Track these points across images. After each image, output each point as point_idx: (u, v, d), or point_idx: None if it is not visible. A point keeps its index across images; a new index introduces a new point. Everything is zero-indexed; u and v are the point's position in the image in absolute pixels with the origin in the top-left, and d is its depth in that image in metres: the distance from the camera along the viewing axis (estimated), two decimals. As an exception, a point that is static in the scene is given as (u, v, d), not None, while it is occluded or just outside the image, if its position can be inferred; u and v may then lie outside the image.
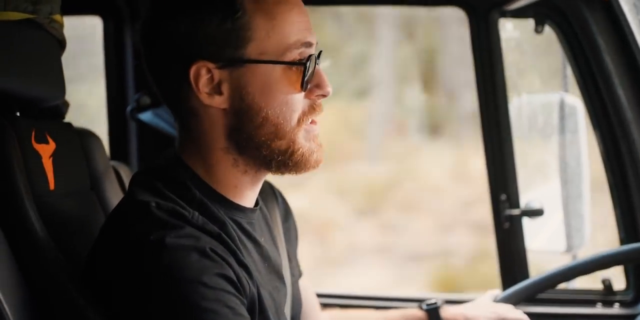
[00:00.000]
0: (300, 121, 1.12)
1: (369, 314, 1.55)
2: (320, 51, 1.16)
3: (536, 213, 1.94)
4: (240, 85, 1.10)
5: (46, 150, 1.28)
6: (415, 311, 1.51)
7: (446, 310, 1.50)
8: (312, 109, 1.13)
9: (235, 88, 1.10)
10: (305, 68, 1.10)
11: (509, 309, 1.50)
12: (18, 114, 1.33)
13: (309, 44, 1.12)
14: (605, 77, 1.80)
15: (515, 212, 1.93)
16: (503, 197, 1.93)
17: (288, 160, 1.12)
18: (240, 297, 1.05)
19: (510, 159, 1.94)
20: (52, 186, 1.26)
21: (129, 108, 2.00)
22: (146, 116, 1.96)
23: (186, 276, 0.99)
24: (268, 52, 1.09)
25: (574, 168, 1.96)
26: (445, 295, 2.08)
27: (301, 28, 1.11)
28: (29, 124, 1.27)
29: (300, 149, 1.12)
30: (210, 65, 1.09)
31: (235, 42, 1.09)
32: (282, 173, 1.14)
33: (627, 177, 1.83)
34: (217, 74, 1.09)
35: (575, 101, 1.93)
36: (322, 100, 1.14)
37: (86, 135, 1.49)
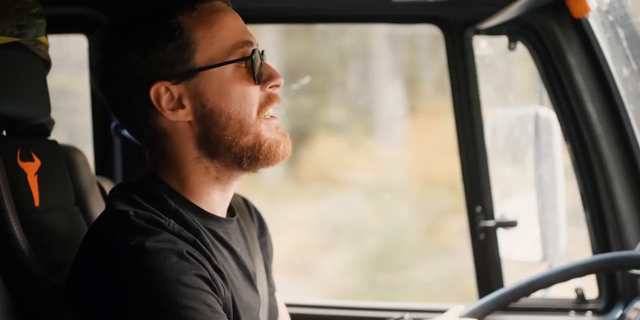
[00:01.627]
0: (259, 113, 1.19)
1: None
2: (263, 50, 1.23)
3: (510, 224, 1.99)
4: (199, 94, 1.17)
5: (31, 168, 1.32)
6: None
7: None
8: (268, 99, 1.20)
9: (194, 98, 1.17)
10: (252, 62, 1.17)
11: None
12: (4, 133, 1.37)
13: (249, 43, 1.20)
14: (576, 93, 1.86)
15: (490, 223, 1.99)
16: (478, 209, 1.99)
17: (258, 154, 1.19)
18: (217, 297, 1.10)
19: (485, 171, 2.00)
20: (37, 203, 1.30)
21: (112, 124, 2.04)
22: (130, 135, 2.00)
23: (166, 276, 1.05)
24: (215, 57, 1.17)
25: (548, 180, 2.01)
26: (415, 304, 2.12)
27: (238, 30, 1.20)
28: (15, 142, 1.31)
29: (267, 141, 1.19)
30: (167, 84, 1.17)
31: (183, 57, 1.16)
32: (255, 169, 1.20)
33: (598, 188, 1.88)
34: (175, 89, 1.17)
35: (550, 114, 1.98)
36: (276, 91, 1.21)
37: (71, 152, 1.54)
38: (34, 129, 1.45)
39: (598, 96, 1.85)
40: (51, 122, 1.52)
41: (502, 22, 1.91)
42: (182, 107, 1.17)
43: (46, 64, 1.44)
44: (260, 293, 1.29)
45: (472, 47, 1.97)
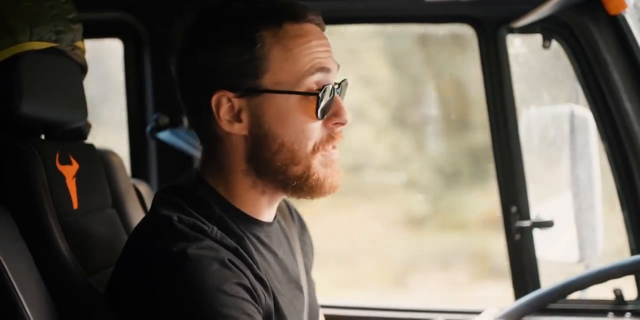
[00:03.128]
0: (315, 149, 1.17)
1: None
2: (343, 80, 1.20)
3: (546, 224, 1.97)
4: (258, 114, 1.16)
5: (70, 171, 1.34)
6: None
7: None
8: (329, 137, 1.18)
9: (253, 116, 1.16)
10: (318, 98, 1.15)
11: None
12: (43, 136, 1.40)
13: (325, 70, 1.16)
14: (613, 91, 1.83)
15: (526, 224, 1.97)
16: (514, 209, 1.97)
17: (303, 186, 1.17)
18: (257, 306, 1.10)
19: (521, 171, 1.98)
20: (75, 205, 1.32)
21: (148, 127, 2.06)
22: (165, 135, 2.02)
23: (207, 284, 1.05)
24: (283, 82, 1.15)
25: (585, 179, 1.99)
26: (448, 305, 2.10)
27: (317, 56, 1.16)
28: (53, 146, 1.34)
29: (316, 175, 1.17)
30: (230, 95, 1.16)
31: (252, 72, 1.15)
32: (298, 197, 1.20)
33: (636, 188, 1.85)
34: (236, 102, 1.16)
35: (586, 112, 1.95)
36: (341, 128, 1.19)
37: (108, 155, 1.56)
38: (71, 133, 1.47)
39: (635, 94, 1.82)
40: (88, 126, 1.54)
41: (536, 21, 1.89)
42: (240, 121, 1.16)
43: (83, 69, 1.46)
44: (304, 294, 1.29)
45: (505, 46, 1.96)
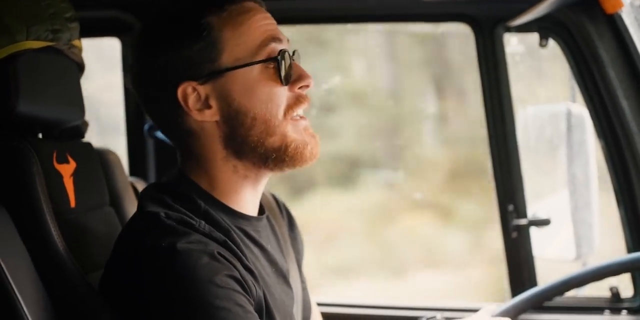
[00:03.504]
0: (286, 114, 1.19)
1: None
2: (295, 50, 1.23)
3: (543, 223, 1.97)
4: (225, 94, 1.18)
5: (67, 170, 1.35)
6: None
7: None
8: (297, 101, 1.20)
9: (221, 98, 1.18)
10: (278, 62, 1.17)
11: None
12: (40, 135, 1.40)
13: (277, 40, 1.20)
14: (609, 89, 1.84)
15: (523, 222, 1.97)
16: (510, 207, 1.97)
17: (283, 156, 1.19)
18: (248, 297, 1.12)
19: (517, 170, 1.98)
20: (73, 204, 1.33)
21: (146, 126, 2.07)
22: (162, 134, 2.02)
23: (199, 277, 1.07)
24: (241, 57, 1.18)
25: (581, 177, 1.99)
26: (446, 302, 2.11)
27: (267, 28, 1.20)
28: (51, 145, 1.34)
29: (294, 143, 1.19)
30: (194, 84, 1.18)
31: (210, 57, 1.18)
32: (282, 169, 1.21)
33: (633, 186, 1.86)
34: (201, 89, 1.18)
35: (582, 111, 1.96)
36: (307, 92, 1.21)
37: (105, 154, 1.56)
38: (68, 132, 1.47)
39: (632, 92, 1.82)
40: (85, 124, 1.55)
41: (532, 19, 1.89)
42: (209, 107, 1.18)
43: (80, 67, 1.47)
44: (293, 289, 1.30)
45: (502, 45, 1.96)
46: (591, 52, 1.84)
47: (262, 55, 1.18)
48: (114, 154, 1.59)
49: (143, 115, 2.10)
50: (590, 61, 1.85)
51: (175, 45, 1.18)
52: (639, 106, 1.82)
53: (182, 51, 1.17)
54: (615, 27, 1.81)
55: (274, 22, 1.23)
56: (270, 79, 1.18)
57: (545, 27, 1.91)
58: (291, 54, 1.21)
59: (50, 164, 1.30)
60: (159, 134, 2.03)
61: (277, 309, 1.20)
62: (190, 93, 1.18)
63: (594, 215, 1.97)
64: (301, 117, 1.22)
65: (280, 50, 1.19)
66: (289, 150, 1.19)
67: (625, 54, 1.82)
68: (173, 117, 1.20)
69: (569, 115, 1.97)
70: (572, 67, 1.91)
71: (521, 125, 2.02)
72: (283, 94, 1.19)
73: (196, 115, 1.19)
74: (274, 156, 1.19)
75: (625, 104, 1.83)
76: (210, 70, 1.18)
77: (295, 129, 1.20)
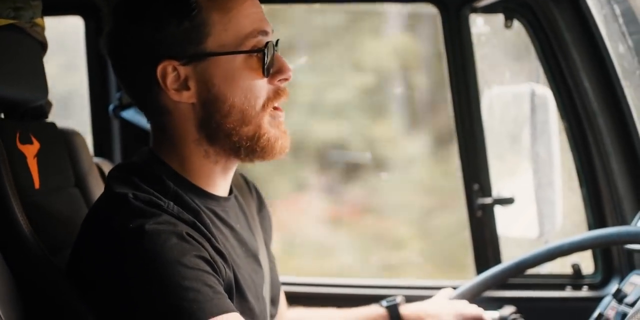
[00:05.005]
0: (265, 106, 1.19)
1: (332, 313, 1.59)
2: (277, 39, 1.22)
3: (507, 201, 2.00)
4: (205, 78, 1.17)
5: (31, 150, 1.33)
6: (375, 309, 1.56)
7: (406, 308, 1.55)
8: (276, 94, 1.20)
9: (201, 81, 1.17)
10: (264, 55, 1.17)
11: (465, 306, 1.55)
12: (2, 116, 1.38)
13: (264, 33, 1.19)
14: (572, 70, 1.86)
15: (488, 200, 2.00)
16: (476, 186, 2.00)
17: (255, 146, 1.19)
18: (218, 277, 1.12)
19: (482, 149, 2.00)
20: (37, 185, 1.31)
21: (111, 106, 2.05)
22: (128, 114, 2.01)
23: (167, 258, 1.06)
24: (227, 44, 1.17)
25: (544, 157, 2.02)
26: (407, 281, 2.13)
27: (255, 18, 1.19)
28: (14, 125, 1.32)
29: (266, 134, 1.19)
30: (175, 63, 1.16)
31: (195, 38, 1.16)
32: (251, 159, 1.22)
33: (594, 165, 1.90)
34: (182, 70, 1.17)
35: (546, 91, 1.98)
36: (285, 85, 1.21)
37: (70, 134, 1.54)
38: (32, 112, 1.45)
39: (594, 73, 1.85)
40: (49, 104, 1.53)
41: (498, 0, 1.91)
42: (187, 88, 1.17)
43: (43, 46, 1.44)
44: (263, 268, 1.31)
45: (468, 26, 1.97)
46: (555, 33, 1.86)
47: (248, 46, 1.17)
48: (78, 134, 1.57)
49: (108, 96, 2.07)
50: (553, 42, 1.88)
51: (161, 21, 1.15)
52: (601, 86, 1.85)
53: (168, 28, 1.15)
54: (579, 9, 1.83)
55: (260, 7, 1.21)
56: (252, 70, 1.17)
57: (510, 8, 1.93)
58: (274, 44, 1.20)
59: (13, 145, 1.28)
60: (125, 114, 2.01)
61: (248, 288, 1.21)
62: (169, 72, 1.16)
63: (556, 193, 2.01)
64: (276, 108, 1.21)
65: (267, 43, 1.18)
66: (262, 140, 1.19)
67: (588, 35, 1.84)
68: (148, 93, 1.19)
69: (532, 95, 1.99)
70: (536, 48, 1.93)
71: (486, 105, 2.04)
72: (263, 85, 1.19)
73: (173, 95, 1.17)
74: (247, 145, 1.19)
75: (587, 85, 1.86)
76: (193, 52, 1.16)
77: (270, 122, 1.20)
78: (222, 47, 1.16)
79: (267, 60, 1.17)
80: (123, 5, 1.19)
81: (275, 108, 1.21)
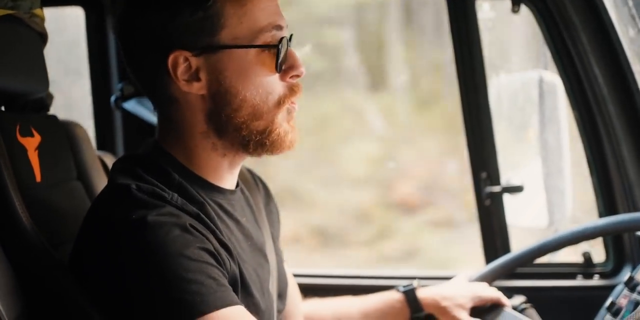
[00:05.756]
0: (281, 103, 1.17)
1: (348, 302, 1.58)
2: (292, 34, 1.20)
3: (516, 190, 1.97)
4: (217, 71, 1.14)
5: (31, 143, 1.31)
6: (392, 294, 1.55)
7: (422, 292, 1.54)
8: (291, 90, 1.18)
9: (212, 74, 1.15)
10: (277, 50, 1.15)
11: (484, 288, 1.54)
12: (2, 108, 1.36)
13: (279, 27, 1.17)
14: (581, 55, 1.83)
15: (496, 189, 1.97)
16: (484, 175, 1.97)
17: (265, 140, 1.17)
18: (222, 270, 1.10)
19: (490, 137, 1.98)
20: (38, 178, 1.30)
21: (113, 97, 2.02)
22: (130, 105, 1.98)
23: (169, 250, 1.04)
24: (241, 37, 1.14)
25: (553, 144, 2.00)
26: (423, 271, 2.12)
27: (271, 12, 1.16)
28: (14, 118, 1.30)
29: (278, 129, 1.17)
30: (187, 54, 1.14)
31: (209, 30, 1.13)
32: (259, 154, 1.19)
33: (605, 152, 1.87)
34: (194, 61, 1.14)
35: (555, 78, 1.95)
36: (299, 81, 1.19)
37: (71, 127, 1.53)
38: (32, 104, 1.44)
39: (603, 58, 1.82)
40: (50, 97, 1.51)
41: (505, -15, 1.88)
42: (198, 80, 1.15)
43: (42, 38, 1.42)
44: (270, 262, 1.29)
45: (475, 11, 1.94)
46: (563, 17, 1.83)
47: (262, 40, 1.15)
48: (80, 127, 1.56)
49: (110, 87, 2.05)
50: (562, 27, 1.84)
51: (175, 10, 1.13)
52: (611, 72, 1.82)
53: (181, 18, 1.13)
54: (587, -8, 1.80)
55: (277, 3, 1.18)
56: (265, 65, 1.15)
57: (517, -7, 1.90)
58: (288, 39, 1.18)
59: (13, 137, 1.26)
60: (127, 105, 1.99)
61: (253, 283, 1.19)
62: (181, 63, 1.14)
63: (566, 181, 1.98)
64: (292, 103, 1.19)
65: (281, 38, 1.16)
66: (273, 135, 1.17)
67: (597, 19, 1.81)
68: (158, 81, 1.16)
69: (541, 82, 1.97)
70: (544, 33, 1.90)
71: (494, 92, 2.01)
72: (275, 81, 1.17)
73: (183, 86, 1.15)
74: (257, 139, 1.17)
75: (597, 71, 1.82)
76: (206, 44, 1.13)
77: (284, 117, 1.18)
78: (236, 40, 1.14)
79: (281, 55, 1.15)
80: None
81: (291, 103, 1.19)
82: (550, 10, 1.86)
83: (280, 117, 1.17)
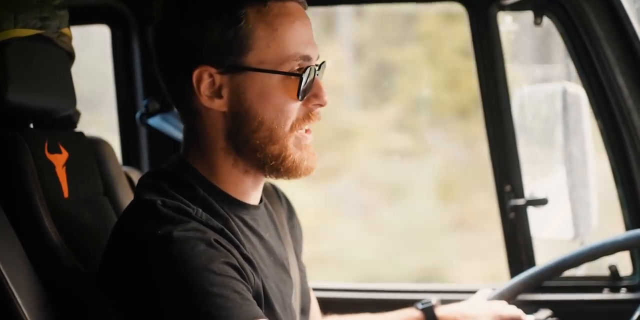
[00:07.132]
0: (293, 127, 1.18)
1: (367, 319, 1.57)
2: (323, 62, 1.21)
3: (541, 202, 1.96)
4: (239, 91, 1.16)
5: (59, 160, 1.33)
6: (411, 311, 1.54)
7: (442, 310, 1.53)
8: (307, 116, 1.19)
9: (234, 93, 1.16)
10: (301, 79, 1.16)
11: (503, 306, 1.52)
12: (32, 125, 1.39)
13: (307, 58, 1.17)
14: (605, 67, 1.82)
15: (520, 202, 1.96)
16: (507, 187, 1.96)
17: (280, 166, 1.18)
18: (247, 284, 1.11)
19: (514, 150, 1.97)
20: (66, 194, 1.31)
21: (138, 114, 2.05)
22: (155, 121, 2.01)
23: (195, 265, 1.05)
24: (267, 62, 1.15)
25: (578, 156, 1.98)
26: (443, 285, 2.11)
27: (301, 41, 1.17)
28: (42, 135, 1.33)
29: (291, 156, 1.18)
30: (212, 70, 1.16)
31: (237, 50, 1.15)
32: (276, 177, 1.21)
33: (630, 164, 1.85)
34: (218, 78, 1.16)
35: (578, 90, 1.94)
36: (319, 110, 1.20)
37: (98, 143, 1.55)
38: (60, 121, 1.46)
39: (628, 69, 1.81)
40: (77, 114, 1.53)
41: (526, -3, 1.88)
42: (220, 97, 1.16)
43: (70, 56, 1.45)
44: (292, 278, 1.29)
45: (497, 24, 1.94)
46: (586, 29, 1.82)
47: (287, 68, 1.16)
48: (106, 143, 1.58)
49: (135, 103, 2.08)
50: (585, 39, 1.84)
51: (207, 24, 1.14)
52: (636, 83, 1.81)
53: (213, 34, 1.14)
54: (610, 3, 1.79)
55: (311, 29, 1.19)
56: (288, 91, 1.16)
57: (539, 5, 1.89)
58: (317, 68, 1.19)
59: (41, 154, 1.28)
60: (152, 122, 2.02)
61: (275, 298, 1.19)
62: (205, 78, 1.16)
63: (591, 194, 1.97)
64: (307, 131, 1.20)
65: (307, 68, 1.16)
66: (286, 162, 1.18)
67: (620, 31, 1.80)
68: (183, 93, 1.18)
69: (564, 94, 1.96)
70: (567, 45, 1.89)
71: (517, 105, 2.01)
72: (296, 108, 1.17)
73: (205, 101, 1.17)
74: (272, 164, 1.18)
75: (621, 81, 1.81)
76: (232, 63, 1.15)
77: (297, 143, 1.18)
78: (261, 64, 1.15)
79: (304, 85, 1.16)
80: (174, 1, 1.19)
81: (306, 130, 1.19)
82: (572, 22, 1.85)
83: (291, 143, 1.18)
